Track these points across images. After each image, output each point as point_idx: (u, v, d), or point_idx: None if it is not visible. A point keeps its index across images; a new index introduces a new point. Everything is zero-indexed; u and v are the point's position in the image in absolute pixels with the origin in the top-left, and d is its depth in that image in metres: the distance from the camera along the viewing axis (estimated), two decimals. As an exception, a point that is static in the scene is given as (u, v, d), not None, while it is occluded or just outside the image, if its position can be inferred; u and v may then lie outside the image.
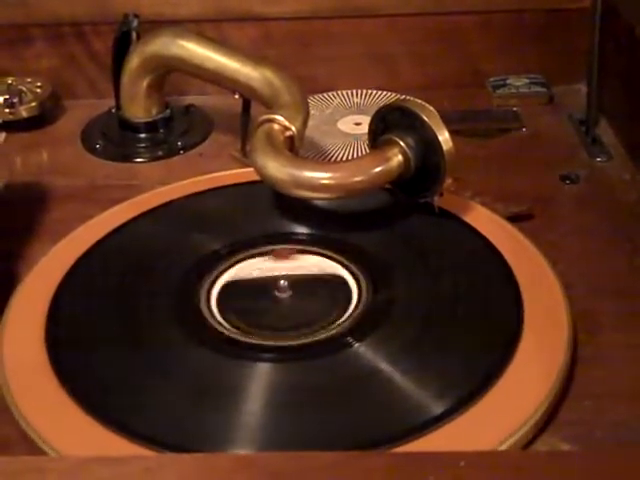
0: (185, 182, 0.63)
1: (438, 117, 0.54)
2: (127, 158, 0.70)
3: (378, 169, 0.55)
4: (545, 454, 0.40)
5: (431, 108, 0.55)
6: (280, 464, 0.33)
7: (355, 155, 0.67)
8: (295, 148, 0.57)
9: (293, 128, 0.56)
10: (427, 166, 0.55)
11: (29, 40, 0.76)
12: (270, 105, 0.60)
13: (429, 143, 0.55)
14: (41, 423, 0.44)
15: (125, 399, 0.46)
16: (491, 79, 0.76)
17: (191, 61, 0.65)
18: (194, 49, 0.65)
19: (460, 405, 0.44)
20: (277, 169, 0.54)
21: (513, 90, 0.75)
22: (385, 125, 0.57)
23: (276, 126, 0.56)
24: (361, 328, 0.50)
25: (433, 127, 0.54)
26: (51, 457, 0.39)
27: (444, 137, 0.54)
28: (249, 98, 0.65)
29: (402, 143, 0.55)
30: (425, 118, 0.54)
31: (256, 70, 0.62)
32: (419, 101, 0.63)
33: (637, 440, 0.44)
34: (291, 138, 0.57)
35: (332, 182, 0.54)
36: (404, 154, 0.55)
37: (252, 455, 0.37)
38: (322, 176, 0.54)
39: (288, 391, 0.46)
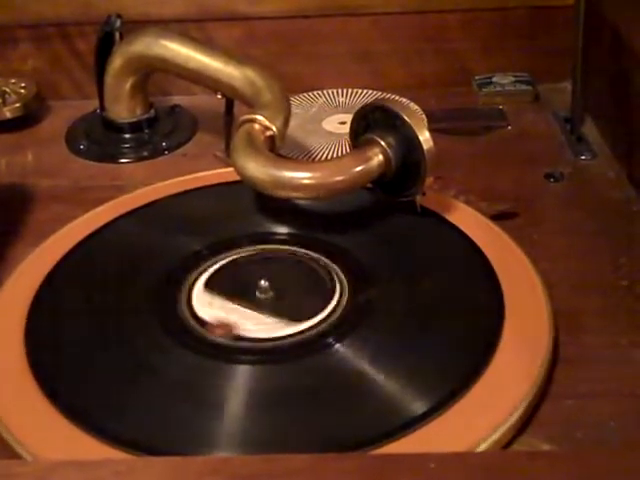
0: (167, 182, 0.63)
1: (419, 116, 0.54)
2: (111, 158, 0.70)
3: (359, 169, 0.54)
4: (520, 454, 0.40)
5: (413, 107, 0.55)
6: (252, 467, 0.33)
7: (340, 154, 0.67)
8: (276, 148, 0.57)
9: (274, 128, 0.56)
10: (408, 165, 0.55)
11: (14, 41, 0.76)
12: (252, 105, 0.60)
13: (410, 142, 0.54)
14: (18, 426, 0.43)
15: (104, 402, 0.45)
16: (477, 77, 0.76)
17: (174, 61, 0.65)
18: (177, 49, 0.65)
19: (440, 405, 0.44)
20: (257, 169, 0.53)
21: (499, 88, 0.75)
22: (366, 124, 0.57)
23: (257, 126, 0.56)
24: (341, 328, 0.49)
25: (413, 126, 0.54)
26: (22, 461, 0.39)
27: (424, 136, 0.54)
28: (232, 98, 0.64)
29: (383, 142, 0.55)
30: (405, 117, 0.54)
31: (238, 70, 0.62)
32: (400, 100, 0.63)
33: (618, 441, 0.44)
34: (272, 138, 0.56)
35: (312, 182, 0.53)
36: (385, 154, 0.55)
37: (223, 458, 0.37)
38: (302, 176, 0.53)
39: (268, 393, 0.46)
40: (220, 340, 0.49)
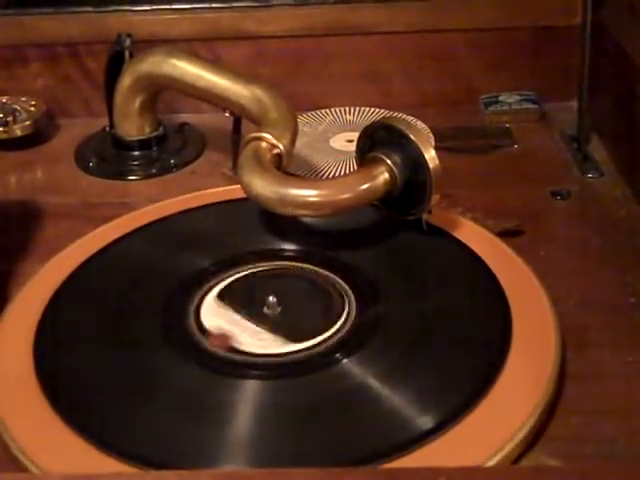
0: (175, 200, 0.63)
1: (425, 134, 0.55)
2: (120, 176, 0.70)
3: (364, 187, 0.55)
4: (529, 469, 0.39)
5: (419, 125, 0.55)
6: (260, 481, 0.33)
7: (347, 172, 0.67)
8: (283, 166, 0.57)
9: (281, 146, 0.57)
10: (414, 184, 0.55)
11: (24, 60, 0.77)
12: (259, 123, 0.60)
13: (415, 161, 0.55)
14: (26, 440, 0.44)
15: (113, 416, 0.46)
16: (483, 96, 0.77)
17: (182, 80, 0.66)
18: (185, 68, 0.65)
19: (448, 421, 0.44)
20: (263, 187, 0.54)
21: (505, 107, 0.75)
22: (372, 143, 0.57)
23: (264, 144, 0.56)
24: (349, 344, 0.50)
25: (419, 145, 0.54)
26: (31, 475, 0.39)
27: (430, 155, 0.54)
28: (239, 116, 0.65)
29: (388, 161, 0.55)
30: (411, 136, 0.54)
31: (246, 88, 0.63)
32: (406, 118, 0.63)
33: (626, 457, 0.44)
34: (279, 156, 0.57)
35: (318, 200, 0.54)
36: (390, 172, 0.55)
37: (231, 472, 0.37)
38: (308, 194, 0.54)
39: (276, 408, 0.46)
40: (222, 353, 0.49)
